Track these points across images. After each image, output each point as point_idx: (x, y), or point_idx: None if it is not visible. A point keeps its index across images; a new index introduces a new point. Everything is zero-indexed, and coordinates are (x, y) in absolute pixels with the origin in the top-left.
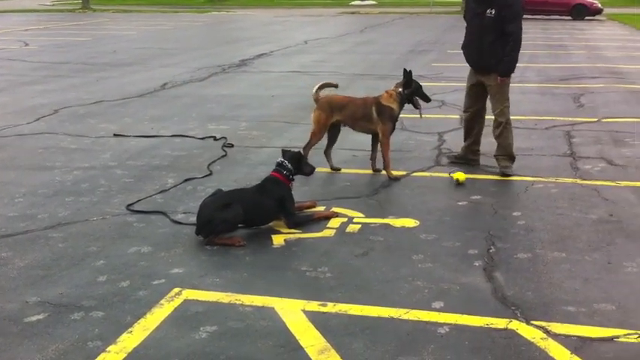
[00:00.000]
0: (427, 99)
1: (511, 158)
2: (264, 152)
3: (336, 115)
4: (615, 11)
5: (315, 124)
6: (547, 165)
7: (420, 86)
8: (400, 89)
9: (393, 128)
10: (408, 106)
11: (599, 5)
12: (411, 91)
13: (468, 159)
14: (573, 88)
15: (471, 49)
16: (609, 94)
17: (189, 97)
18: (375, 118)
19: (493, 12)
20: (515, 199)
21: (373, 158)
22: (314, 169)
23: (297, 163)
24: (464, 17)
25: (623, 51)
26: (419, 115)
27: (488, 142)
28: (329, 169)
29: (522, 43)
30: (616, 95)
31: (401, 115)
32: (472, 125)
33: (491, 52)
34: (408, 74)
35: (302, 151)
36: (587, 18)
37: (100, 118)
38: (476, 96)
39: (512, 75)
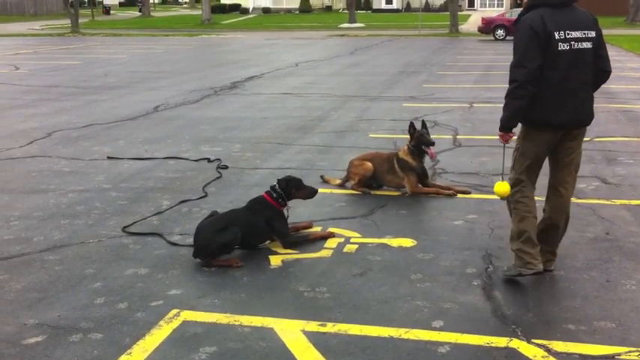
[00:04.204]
0: (429, 143)
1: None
2: (258, 173)
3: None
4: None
5: (357, 177)
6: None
7: (421, 134)
8: (408, 144)
9: (419, 178)
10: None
11: None
12: (415, 142)
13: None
14: None
15: None
16: (600, 114)
17: (182, 120)
18: (399, 171)
19: None
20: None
21: None
22: (315, 191)
23: (289, 188)
24: None
25: (612, 71)
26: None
27: (480, 162)
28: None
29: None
30: (607, 115)
31: (393, 136)
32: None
33: None
34: (409, 127)
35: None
36: None
37: (93, 141)
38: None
39: None
